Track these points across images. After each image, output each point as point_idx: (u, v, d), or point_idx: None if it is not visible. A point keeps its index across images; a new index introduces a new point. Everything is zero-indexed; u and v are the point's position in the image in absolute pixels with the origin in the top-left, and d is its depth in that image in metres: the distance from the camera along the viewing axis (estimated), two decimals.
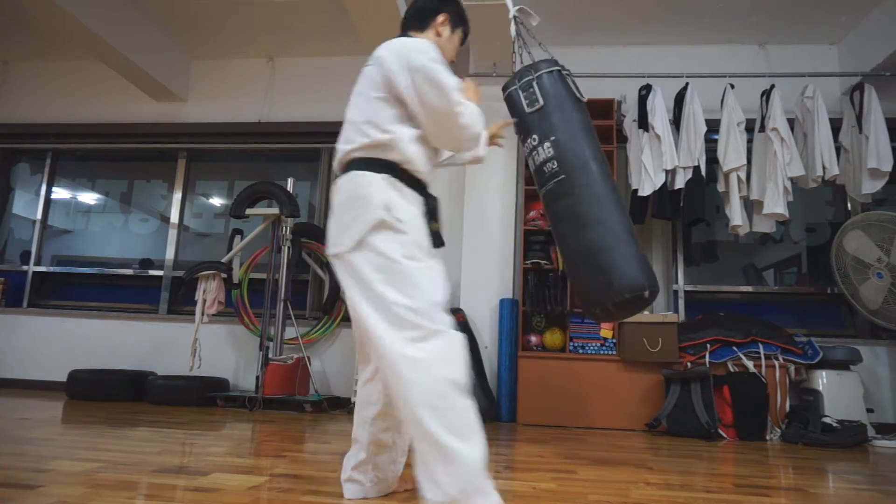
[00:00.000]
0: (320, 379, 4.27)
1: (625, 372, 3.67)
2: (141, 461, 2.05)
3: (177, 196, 5.01)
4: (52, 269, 5.05)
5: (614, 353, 3.74)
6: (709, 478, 2.24)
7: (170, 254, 4.89)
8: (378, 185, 1.46)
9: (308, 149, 4.83)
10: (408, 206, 1.48)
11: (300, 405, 3.82)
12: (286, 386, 3.86)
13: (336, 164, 1.60)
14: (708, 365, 3.49)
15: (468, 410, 1.34)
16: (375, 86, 1.52)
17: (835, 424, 3.13)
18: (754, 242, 4.41)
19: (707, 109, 3.91)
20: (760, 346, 3.54)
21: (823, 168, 3.72)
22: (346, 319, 4.33)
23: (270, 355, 3.97)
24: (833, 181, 3.81)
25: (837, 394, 3.39)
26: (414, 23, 1.71)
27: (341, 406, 4.03)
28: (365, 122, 1.52)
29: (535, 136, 2.12)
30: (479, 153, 1.73)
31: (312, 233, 4.33)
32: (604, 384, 3.67)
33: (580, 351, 3.77)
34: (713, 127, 3.89)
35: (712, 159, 3.92)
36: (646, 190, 3.85)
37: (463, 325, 3.87)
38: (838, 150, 3.87)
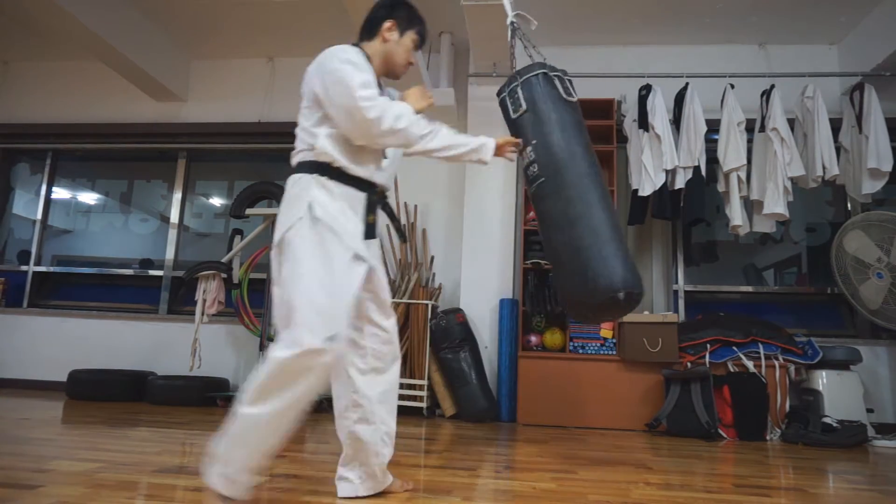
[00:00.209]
0: None
1: (625, 372, 3.67)
2: (141, 461, 2.05)
3: (177, 196, 5.01)
4: (52, 269, 5.05)
5: (614, 353, 3.74)
6: (709, 478, 2.24)
7: (170, 254, 4.89)
8: (305, 186, 1.58)
9: None
10: (332, 202, 1.56)
11: None
12: None
13: None
14: (708, 365, 3.49)
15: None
16: (305, 95, 1.66)
17: (835, 424, 3.13)
18: (754, 242, 4.41)
19: (707, 109, 3.91)
20: (760, 346, 3.54)
21: (823, 168, 3.72)
22: None
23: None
24: (833, 181, 3.81)
25: (837, 394, 3.39)
26: (364, 33, 1.80)
27: None
28: (301, 129, 1.67)
29: (521, 141, 2.12)
30: (449, 153, 1.75)
31: None
32: (604, 384, 3.67)
33: (580, 351, 3.77)
34: (713, 127, 3.89)
35: (712, 159, 3.92)
36: (646, 190, 3.85)
37: (463, 325, 3.88)
38: (838, 150, 3.87)
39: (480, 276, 4.16)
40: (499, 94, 2.28)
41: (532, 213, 4.07)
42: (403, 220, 4.34)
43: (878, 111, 3.73)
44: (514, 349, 3.87)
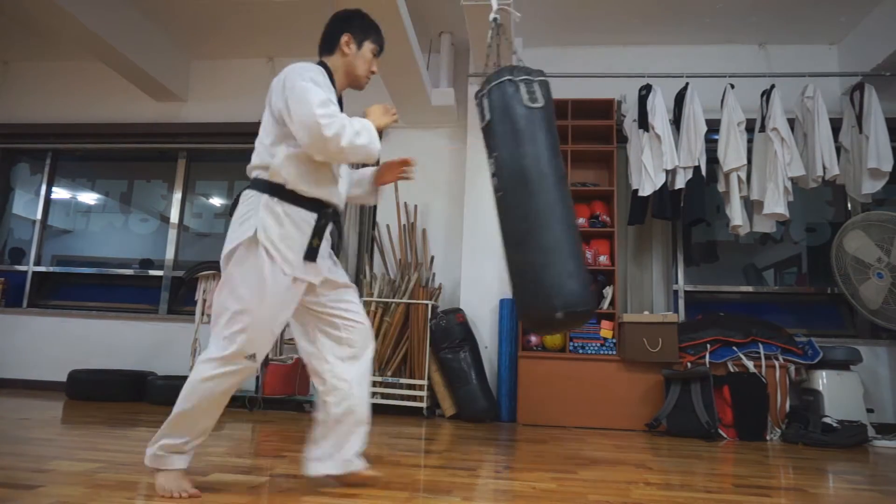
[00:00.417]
0: None
1: (625, 372, 3.67)
2: (141, 461, 2.04)
3: (177, 196, 5.01)
4: (52, 269, 5.05)
5: (614, 353, 3.74)
6: (709, 478, 2.24)
7: (170, 254, 4.89)
8: (254, 205, 1.64)
9: None
10: (277, 227, 1.62)
11: (300, 405, 3.82)
12: (286, 386, 3.86)
13: None
14: (708, 365, 3.49)
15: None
16: (266, 109, 1.70)
17: (835, 424, 3.13)
18: (754, 242, 4.41)
19: (707, 109, 3.91)
20: (760, 346, 3.54)
21: (824, 168, 3.72)
22: None
23: (270, 355, 3.97)
24: (833, 181, 3.81)
25: (837, 394, 3.39)
26: (323, 49, 1.83)
27: None
28: (260, 143, 1.71)
29: (486, 152, 2.04)
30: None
31: None
32: (604, 384, 3.67)
33: (580, 351, 3.77)
34: (713, 127, 3.89)
35: (712, 159, 3.92)
36: (646, 190, 3.85)
37: (463, 325, 3.88)
38: (838, 150, 3.87)
39: (480, 276, 4.16)
40: (475, 98, 2.19)
41: None
42: (404, 220, 4.35)
43: (878, 111, 3.73)
44: (514, 349, 3.87)
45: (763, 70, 4.20)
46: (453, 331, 3.82)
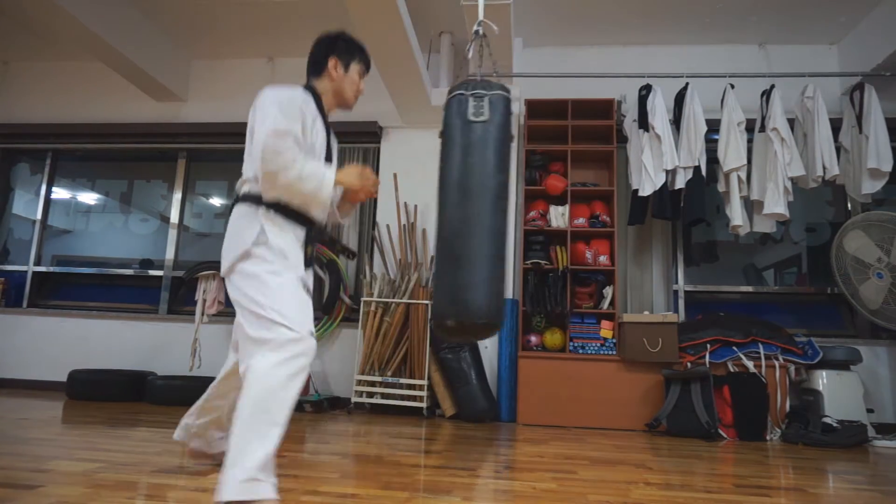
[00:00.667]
0: (320, 379, 4.26)
1: (625, 372, 3.67)
2: (141, 461, 2.05)
3: (177, 196, 5.01)
4: (52, 269, 5.05)
5: (614, 353, 3.74)
6: (709, 478, 2.24)
7: (170, 254, 4.89)
8: (251, 219, 1.66)
9: None
10: (275, 237, 1.65)
11: (300, 405, 3.82)
12: None
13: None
14: (708, 365, 3.49)
15: (283, 409, 1.51)
16: (249, 124, 1.75)
17: (835, 424, 3.13)
18: (754, 242, 4.41)
19: (707, 109, 3.91)
20: (760, 346, 3.54)
21: (824, 168, 3.72)
22: (346, 320, 4.33)
23: None
24: (833, 181, 3.81)
25: (837, 394, 3.40)
26: (311, 72, 1.87)
27: (341, 406, 4.03)
28: (248, 154, 1.74)
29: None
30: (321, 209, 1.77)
31: None
32: (604, 384, 3.67)
33: (580, 351, 3.77)
34: (713, 127, 3.89)
35: (712, 159, 3.92)
36: (646, 190, 3.85)
37: None
38: (838, 150, 3.87)
39: None
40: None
41: (533, 213, 4.09)
42: (404, 220, 4.35)
43: (878, 111, 3.73)
44: (514, 349, 3.87)
45: (763, 70, 4.20)
46: None
